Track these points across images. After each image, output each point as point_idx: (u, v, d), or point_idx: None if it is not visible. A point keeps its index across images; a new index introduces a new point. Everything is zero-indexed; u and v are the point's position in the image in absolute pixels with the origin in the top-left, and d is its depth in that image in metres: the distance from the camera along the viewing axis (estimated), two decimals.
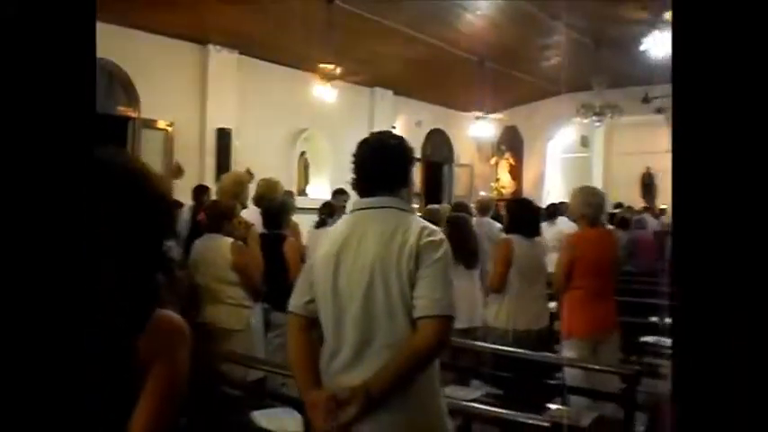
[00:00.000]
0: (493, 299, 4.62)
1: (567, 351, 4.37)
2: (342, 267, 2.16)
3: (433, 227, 2.21)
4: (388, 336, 2.09)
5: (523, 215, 4.74)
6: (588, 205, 4.47)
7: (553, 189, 15.96)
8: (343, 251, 2.17)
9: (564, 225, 9.30)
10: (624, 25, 9.52)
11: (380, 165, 2.26)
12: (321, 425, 2.03)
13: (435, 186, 15.10)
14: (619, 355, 4.72)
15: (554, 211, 9.38)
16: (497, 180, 15.67)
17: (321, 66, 9.38)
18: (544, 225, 8.91)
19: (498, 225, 7.15)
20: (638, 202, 16.74)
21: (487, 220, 7.61)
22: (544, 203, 13.49)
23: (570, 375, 4.31)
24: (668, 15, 8.85)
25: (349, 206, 2.22)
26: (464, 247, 4.81)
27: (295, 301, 2.29)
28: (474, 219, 8.11)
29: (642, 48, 7.67)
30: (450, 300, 2.08)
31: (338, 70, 9.39)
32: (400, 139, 2.37)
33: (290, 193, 7.25)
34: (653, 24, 7.59)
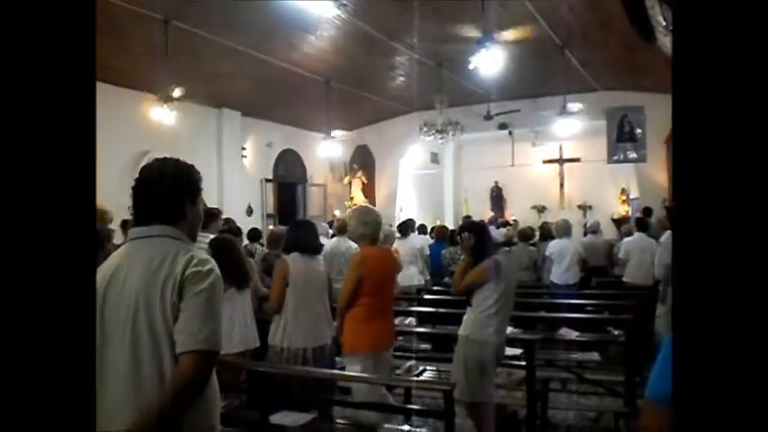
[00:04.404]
0: (275, 318, 4.72)
1: (351, 366, 4.47)
2: (108, 301, 2.06)
3: (204, 256, 2.12)
4: (156, 372, 2.00)
5: (303, 235, 4.87)
6: (365, 224, 4.60)
7: (406, 205, 16.31)
8: (111, 284, 2.08)
9: (416, 241, 9.56)
10: (461, 44, 9.88)
11: (154, 194, 2.17)
12: None
13: (289, 206, 15.02)
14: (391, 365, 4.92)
15: (405, 228, 9.57)
16: (351, 198, 15.79)
17: (158, 87, 9.10)
18: (398, 242, 9.15)
19: (354, 245, 7.24)
20: (489, 215, 17.50)
21: (345, 239, 7.64)
22: (397, 220, 13.78)
23: (356, 389, 4.45)
24: (503, 34, 9.32)
25: None
26: (232, 269, 4.76)
27: None
28: (333, 240, 8.18)
29: (471, 66, 7.96)
30: (211, 333, 2.00)
31: (176, 91, 9.14)
32: (182, 167, 2.26)
33: (125, 223, 6.88)
34: (481, 43, 7.89)
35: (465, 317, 4.61)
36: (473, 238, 4.64)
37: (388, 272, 4.71)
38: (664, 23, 2.68)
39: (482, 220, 11.88)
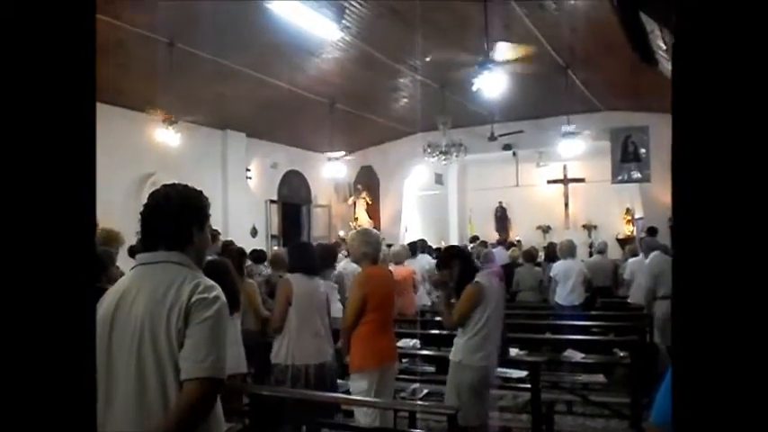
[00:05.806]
0: (277, 337, 4.82)
1: (357, 383, 4.50)
2: (115, 326, 2.06)
3: (210, 283, 2.12)
4: (161, 399, 2.00)
5: (304, 256, 5.03)
6: (367, 245, 4.73)
7: (411, 226, 16.30)
8: (118, 310, 2.08)
9: (425, 261, 9.56)
10: (464, 67, 9.93)
11: (162, 219, 2.18)
12: None
13: (294, 227, 15.03)
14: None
15: (415, 248, 9.61)
16: (356, 219, 15.79)
17: (162, 109, 9.16)
18: (409, 261, 9.17)
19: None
20: (494, 235, 17.44)
21: (349, 261, 7.65)
22: (402, 240, 13.75)
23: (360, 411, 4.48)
24: (506, 56, 9.36)
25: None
26: (225, 292, 4.76)
27: None
28: (343, 263, 8.20)
29: (474, 88, 8.01)
30: (216, 360, 1.99)
31: (180, 113, 9.20)
32: (190, 193, 2.26)
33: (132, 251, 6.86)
34: (484, 65, 7.94)
35: (455, 341, 4.61)
36: (456, 268, 4.62)
37: (389, 290, 4.81)
38: (664, 47, 2.71)
39: (466, 245, 11.86)
